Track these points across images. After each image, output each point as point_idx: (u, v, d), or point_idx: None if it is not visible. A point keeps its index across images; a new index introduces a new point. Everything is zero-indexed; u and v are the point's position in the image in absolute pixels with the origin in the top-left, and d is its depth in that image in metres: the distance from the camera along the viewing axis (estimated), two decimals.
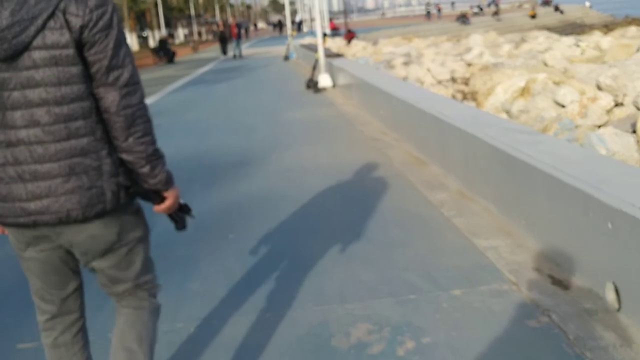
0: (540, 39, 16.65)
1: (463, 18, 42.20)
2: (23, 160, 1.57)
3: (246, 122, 8.80)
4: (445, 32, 36.61)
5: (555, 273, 3.00)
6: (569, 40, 15.45)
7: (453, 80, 11.32)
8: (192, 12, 48.47)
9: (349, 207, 4.41)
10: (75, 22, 1.53)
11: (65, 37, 1.52)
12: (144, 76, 14.75)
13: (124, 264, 1.79)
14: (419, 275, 3.16)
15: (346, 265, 3.37)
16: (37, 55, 1.52)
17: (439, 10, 60.81)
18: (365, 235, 3.82)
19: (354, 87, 9.29)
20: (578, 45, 14.25)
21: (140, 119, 1.64)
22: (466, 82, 10.71)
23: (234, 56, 24.38)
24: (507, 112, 7.43)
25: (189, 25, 49.80)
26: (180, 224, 1.87)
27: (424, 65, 12.28)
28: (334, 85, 11.59)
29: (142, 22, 47.11)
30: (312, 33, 40.23)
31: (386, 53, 15.95)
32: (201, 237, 4.01)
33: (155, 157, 1.69)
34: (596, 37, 16.27)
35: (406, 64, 13.22)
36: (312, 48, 17.08)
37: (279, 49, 25.92)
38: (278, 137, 7.43)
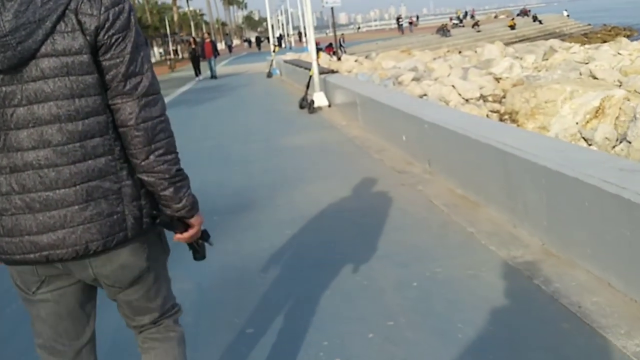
0: (574, 49, 15.59)
1: (443, 30, 41.77)
2: (32, 187, 1.36)
3: (239, 151, 7.64)
4: (427, 44, 36.17)
5: None
6: (607, 48, 14.44)
7: (483, 98, 10.13)
8: (167, 30, 47.30)
9: (406, 278, 3.26)
10: (90, 23, 1.32)
11: (79, 41, 1.32)
12: None
13: (153, 292, 1.59)
14: None
15: None
16: (45, 63, 1.31)
17: (410, 23, 61.66)
18: (449, 334, 2.65)
19: (360, 107, 8.20)
20: (620, 54, 13.25)
21: (162, 133, 1.43)
22: (499, 100, 9.51)
23: (212, 77, 23.01)
24: (588, 140, 6.31)
25: (164, 43, 48.61)
26: (200, 254, 1.67)
27: (444, 82, 11.01)
28: (329, 105, 10.52)
29: None
30: (290, 49, 39.51)
31: (389, 68, 14.74)
32: (206, 331, 2.84)
33: (180, 178, 1.49)
34: (635, 45, 15.26)
35: (417, 79, 12.02)
36: (297, 64, 16.05)
37: (259, 66, 24.82)
38: (281, 170, 6.27)
